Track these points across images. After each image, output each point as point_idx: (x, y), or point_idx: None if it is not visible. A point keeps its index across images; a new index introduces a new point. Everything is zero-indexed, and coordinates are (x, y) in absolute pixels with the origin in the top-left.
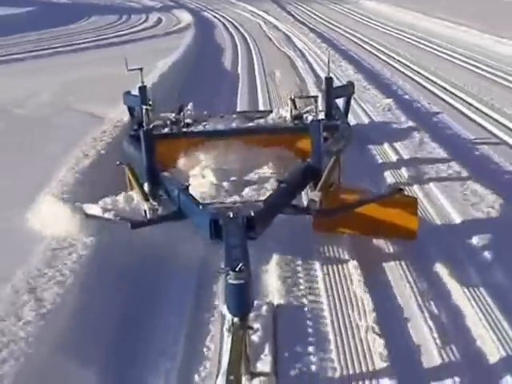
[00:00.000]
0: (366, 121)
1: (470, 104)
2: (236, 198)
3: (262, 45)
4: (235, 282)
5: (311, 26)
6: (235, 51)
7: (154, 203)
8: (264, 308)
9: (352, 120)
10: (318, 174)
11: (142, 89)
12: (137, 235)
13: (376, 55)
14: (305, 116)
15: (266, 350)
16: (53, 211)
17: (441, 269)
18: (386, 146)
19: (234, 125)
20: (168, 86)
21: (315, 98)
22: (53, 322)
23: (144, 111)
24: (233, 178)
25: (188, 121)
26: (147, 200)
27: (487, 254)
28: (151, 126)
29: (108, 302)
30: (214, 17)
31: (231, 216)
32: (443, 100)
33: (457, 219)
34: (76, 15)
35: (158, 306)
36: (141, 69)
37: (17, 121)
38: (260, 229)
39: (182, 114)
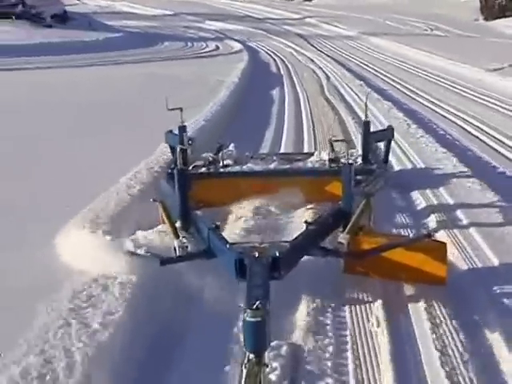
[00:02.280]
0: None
1: (415, 92)
2: (265, 238)
3: (293, 62)
4: (252, 319)
5: (328, 53)
6: (276, 65)
7: (184, 240)
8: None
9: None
10: (348, 216)
11: (181, 128)
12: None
13: (368, 70)
14: (342, 160)
15: None
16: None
17: None
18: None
19: (271, 166)
20: (246, 72)
21: (349, 141)
22: None
23: (178, 150)
24: (265, 220)
25: (228, 162)
26: (178, 237)
27: None
28: (192, 165)
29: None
30: (257, 46)
31: (256, 256)
32: (396, 88)
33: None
34: (151, 41)
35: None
36: (181, 108)
37: (183, 82)
38: (285, 269)
39: (220, 153)
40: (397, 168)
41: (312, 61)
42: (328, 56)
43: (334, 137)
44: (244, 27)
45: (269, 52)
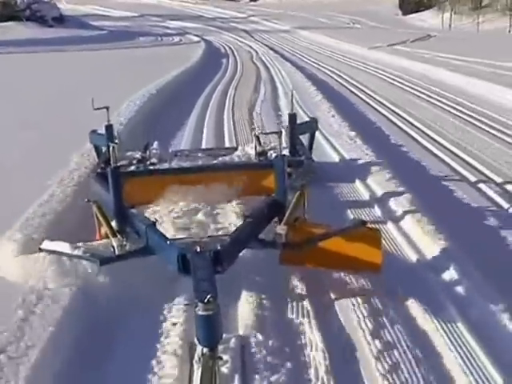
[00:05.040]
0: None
1: (312, 60)
2: (202, 233)
3: (237, 48)
4: (204, 313)
5: (263, 42)
6: (225, 49)
7: (122, 239)
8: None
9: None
10: (282, 208)
11: (109, 127)
12: None
13: (287, 51)
14: (269, 153)
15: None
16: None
17: None
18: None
19: (200, 162)
20: (205, 52)
21: (279, 133)
22: None
23: (111, 148)
24: (198, 215)
25: (153, 160)
26: (115, 236)
27: None
28: (118, 164)
29: None
30: (210, 38)
31: (198, 250)
32: (301, 59)
33: None
34: (129, 36)
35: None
36: (107, 108)
37: (165, 57)
38: (227, 263)
39: (147, 152)
40: (277, 82)
41: (250, 46)
42: (262, 43)
43: (260, 131)
44: (199, 25)
45: (219, 42)
